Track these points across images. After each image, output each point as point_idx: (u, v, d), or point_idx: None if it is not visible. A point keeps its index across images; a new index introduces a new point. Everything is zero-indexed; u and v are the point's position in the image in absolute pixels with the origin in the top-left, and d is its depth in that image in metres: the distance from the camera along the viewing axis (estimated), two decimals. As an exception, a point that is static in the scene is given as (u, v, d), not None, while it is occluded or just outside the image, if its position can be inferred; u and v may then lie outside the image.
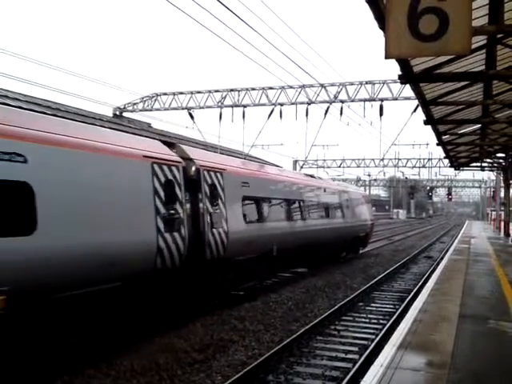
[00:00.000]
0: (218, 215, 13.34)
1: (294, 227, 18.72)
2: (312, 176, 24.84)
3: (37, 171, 8.24)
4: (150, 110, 34.18)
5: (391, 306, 15.40)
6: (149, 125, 36.39)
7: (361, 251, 29.75)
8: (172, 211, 11.40)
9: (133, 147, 10.79)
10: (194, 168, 12.71)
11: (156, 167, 11.10)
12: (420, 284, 18.19)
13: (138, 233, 10.36)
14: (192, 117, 30.15)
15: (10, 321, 7.78)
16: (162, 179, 11.22)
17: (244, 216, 14.91)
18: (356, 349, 10.83)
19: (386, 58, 6.19)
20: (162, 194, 11.08)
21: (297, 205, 19.55)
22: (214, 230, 13.07)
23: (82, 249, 8.89)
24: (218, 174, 13.77)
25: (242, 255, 14.54)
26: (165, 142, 12.88)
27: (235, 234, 14.02)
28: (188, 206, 12.28)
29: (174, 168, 11.71)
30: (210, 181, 13.25)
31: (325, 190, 23.69)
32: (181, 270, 11.69)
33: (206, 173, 13.09)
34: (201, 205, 12.74)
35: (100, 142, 9.85)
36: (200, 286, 13.06)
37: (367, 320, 13.65)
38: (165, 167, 11.41)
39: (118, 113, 34.79)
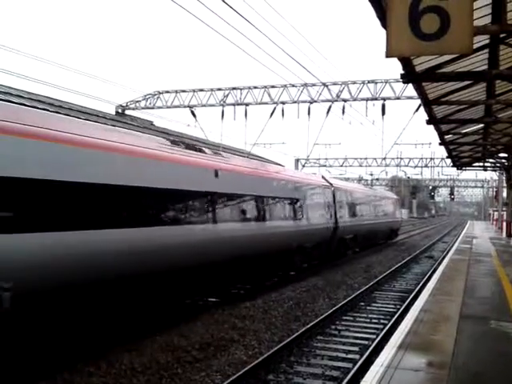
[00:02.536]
0: (340, 212, 25.49)
1: (367, 221, 31.16)
2: (371, 187, 43.66)
3: (304, 194, 20.65)
4: (153, 108, 34.11)
5: (392, 306, 15.38)
6: (151, 123, 36.35)
7: (394, 240, 40.91)
8: (330, 210, 24.07)
9: (319, 180, 24.53)
10: (333, 189, 25.13)
11: (324, 189, 23.99)
12: (421, 284, 18.16)
13: (324, 220, 22.94)
14: (194, 115, 30.18)
15: (296, 253, 19.63)
16: (326, 195, 23.95)
17: (347, 213, 26.98)
18: (357, 349, 10.81)
19: (387, 56, 6.17)
20: (326, 201, 23.77)
21: (368, 207, 32.76)
22: (340, 220, 25.11)
23: (314, 226, 21.43)
24: (338, 190, 26.00)
25: (347, 235, 26.57)
26: (322, 176, 27.11)
27: (346, 223, 26.15)
28: (333, 207, 24.52)
29: (329, 189, 24.59)
30: (337, 194, 25.56)
31: (378, 198, 37.19)
32: (330, 241, 23.84)
33: (336, 191, 25.49)
34: (336, 207, 24.90)
35: (313, 179, 23.87)
36: (332, 251, 24.52)
37: (368, 320, 13.63)
38: (327, 189, 24.34)
39: (120, 110, 34.74)
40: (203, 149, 14.63)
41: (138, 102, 34.43)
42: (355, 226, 27.94)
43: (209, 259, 13.02)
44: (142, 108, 34.40)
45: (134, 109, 34.87)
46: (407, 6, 5.80)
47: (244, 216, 15.42)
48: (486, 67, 13.72)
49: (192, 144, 15.73)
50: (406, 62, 11.41)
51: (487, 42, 12.04)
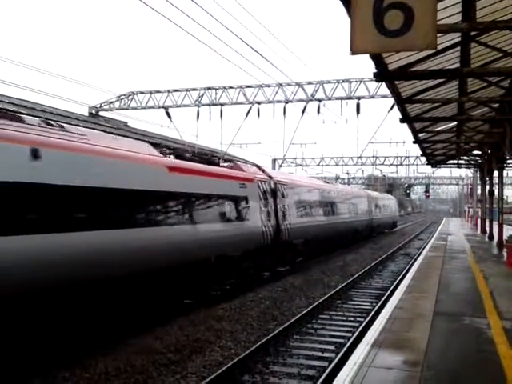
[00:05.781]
0: (372, 211, 42.77)
1: (384, 216, 48.34)
2: (387, 193, 64.27)
3: (360, 200, 39.36)
4: (127, 109, 33.83)
5: (368, 304, 15.44)
6: (125, 124, 36.00)
7: (394, 230, 56.30)
8: (367, 209, 40.74)
9: (362, 192, 44.35)
10: (367, 196, 42.64)
11: (365, 197, 41.41)
12: (397, 281, 18.27)
13: (366, 215, 40.41)
14: (169, 115, 29.91)
15: (357, 233, 37.20)
16: (365, 200, 40.85)
17: (374, 211, 43.80)
18: (333, 347, 10.81)
19: (352, 53, 6.17)
20: (366, 204, 40.57)
21: (384, 207, 48.46)
22: (373, 215, 42.62)
23: (363, 218, 38.96)
24: (370, 197, 43.21)
25: (375, 225, 43.93)
26: (361, 189, 54.39)
27: (375, 218, 43.69)
28: (368, 208, 41.74)
29: (366, 196, 41.75)
30: (370, 199, 42.84)
31: (388, 200, 53.07)
32: (368, 227, 40.82)
33: (369, 197, 43.01)
34: (370, 208, 41.88)
35: (361, 192, 44.68)
36: (368, 233, 41.31)
37: (344, 318, 13.65)
38: (365, 196, 41.71)
39: (94, 112, 34.39)
40: (322, 181, 34.40)
41: (111, 103, 34.11)
42: (379, 219, 45.52)
43: (332, 232, 28.04)
44: (116, 109, 34.08)
45: (107, 110, 34.53)
46: (371, 3, 5.79)
47: (343, 213, 31.58)
48: (458, 65, 13.81)
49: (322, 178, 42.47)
50: (379, 61, 11.43)
51: (459, 39, 12.12)
